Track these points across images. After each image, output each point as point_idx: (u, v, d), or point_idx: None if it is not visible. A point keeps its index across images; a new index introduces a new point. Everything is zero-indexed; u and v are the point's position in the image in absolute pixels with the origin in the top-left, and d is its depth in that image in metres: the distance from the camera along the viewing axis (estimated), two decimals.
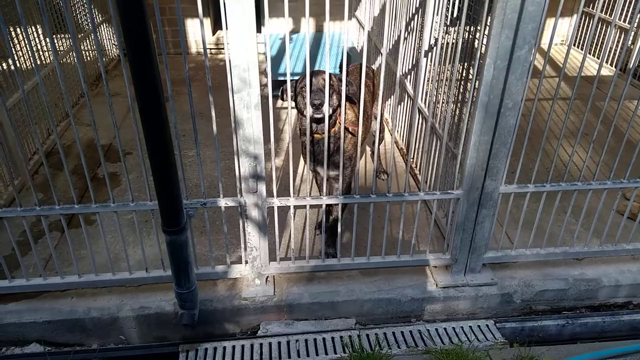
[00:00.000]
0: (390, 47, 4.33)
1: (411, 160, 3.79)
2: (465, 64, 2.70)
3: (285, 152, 4.17)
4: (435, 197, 2.57)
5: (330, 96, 2.50)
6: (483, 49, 2.24)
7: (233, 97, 2.19)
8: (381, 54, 4.60)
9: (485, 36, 2.23)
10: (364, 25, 5.63)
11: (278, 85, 5.23)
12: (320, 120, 2.54)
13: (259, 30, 1.99)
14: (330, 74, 2.52)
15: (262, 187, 2.42)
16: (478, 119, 2.33)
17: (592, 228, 2.79)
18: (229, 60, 2.10)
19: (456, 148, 2.85)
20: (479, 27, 2.55)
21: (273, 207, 2.50)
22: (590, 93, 2.40)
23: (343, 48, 2.58)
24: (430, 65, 3.35)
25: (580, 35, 6.49)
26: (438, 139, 3.13)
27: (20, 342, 2.60)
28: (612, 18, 2.30)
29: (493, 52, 2.18)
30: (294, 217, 2.60)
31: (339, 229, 2.63)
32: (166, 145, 2.02)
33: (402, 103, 4.06)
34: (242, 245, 2.61)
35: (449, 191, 2.55)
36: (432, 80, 2.95)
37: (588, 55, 6.20)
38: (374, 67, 4.96)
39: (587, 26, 6.43)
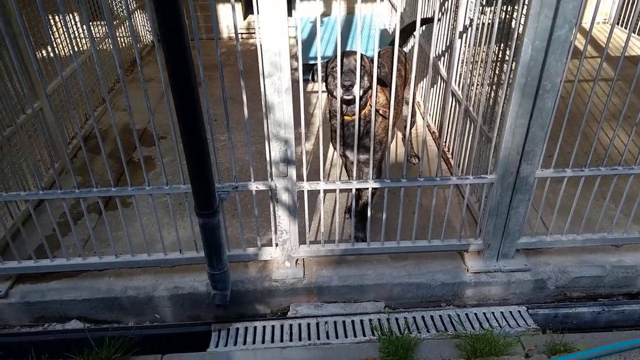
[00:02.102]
0: (424, 29, 4.23)
1: (443, 144, 3.73)
2: (502, 44, 2.61)
3: (315, 136, 4.17)
4: (468, 181, 2.52)
5: (362, 77, 2.47)
6: (521, 29, 2.17)
7: (264, 81, 2.19)
8: (414, 36, 4.51)
9: (523, 15, 2.15)
10: (396, 6, 5.54)
11: (309, 69, 5.20)
12: (350, 102, 2.52)
13: (289, 14, 1.99)
14: (361, 55, 2.49)
15: (293, 171, 2.43)
16: (514, 102, 2.26)
17: (633, 214, 2.69)
18: (260, 45, 2.10)
19: (490, 131, 2.78)
20: (516, 7, 2.46)
21: (303, 191, 2.51)
22: (635, 74, 2.29)
23: (375, 30, 2.54)
24: (465, 46, 3.26)
25: (625, 13, 6.18)
26: (472, 122, 3.06)
27: (62, 318, 2.72)
28: None
29: (531, 32, 2.10)
30: (324, 201, 2.60)
31: (369, 213, 2.62)
32: (199, 130, 2.05)
33: (435, 86, 3.98)
34: (273, 229, 2.64)
35: (483, 175, 2.50)
36: (466, 62, 2.88)
37: (633, 34, 5.92)
38: (406, 49, 4.87)
39: (632, 3, 6.12)
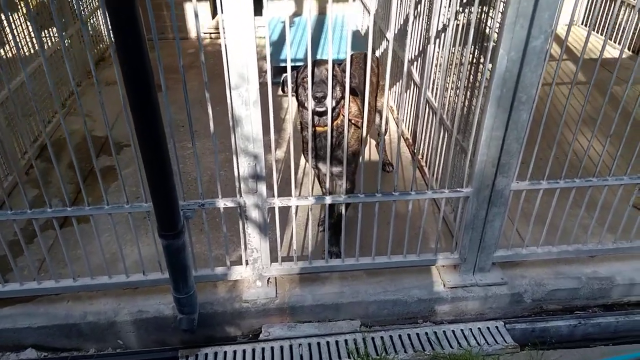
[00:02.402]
0: (397, 32, 4.16)
1: (418, 154, 3.66)
2: (476, 52, 2.55)
3: (287, 143, 4.04)
4: (443, 195, 2.45)
5: (334, 88, 2.37)
6: (495, 37, 2.10)
7: (230, 93, 2.06)
8: (387, 39, 4.43)
9: (497, 24, 2.08)
10: (368, 8, 5.45)
11: (279, 72, 5.08)
12: (322, 114, 2.41)
13: (260, 13, 1.87)
14: (333, 64, 2.38)
15: (263, 187, 2.31)
16: (490, 114, 2.20)
17: (607, 224, 2.67)
18: (226, 56, 1.96)
19: (465, 141, 2.72)
20: (491, 15, 2.40)
21: (274, 207, 2.39)
22: (610, 79, 2.26)
23: (347, 31, 2.44)
24: (438, 52, 3.19)
25: (589, 14, 6.26)
26: (446, 131, 3.00)
27: (16, 347, 2.53)
28: None
29: (507, 42, 2.03)
30: (296, 215, 2.49)
31: (343, 228, 2.52)
32: (159, 147, 1.90)
33: (408, 91, 3.90)
34: (243, 247, 2.51)
35: (458, 189, 2.43)
36: (440, 70, 2.81)
37: (594, 33, 6.00)
38: (378, 52, 4.79)
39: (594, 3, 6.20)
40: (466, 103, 2.69)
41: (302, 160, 3.77)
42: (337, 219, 2.81)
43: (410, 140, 3.88)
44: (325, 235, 2.66)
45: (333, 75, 2.33)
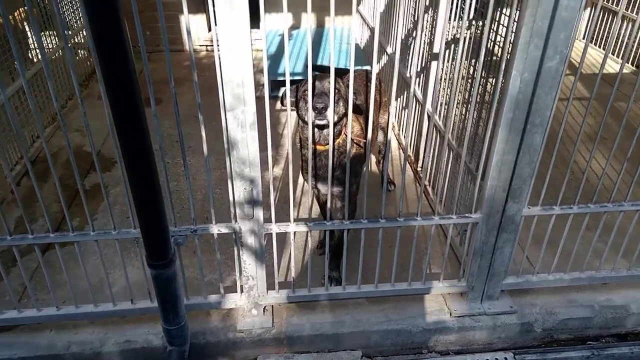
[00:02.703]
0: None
1: (420, 168, 3.54)
2: (482, 71, 2.43)
3: (285, 160, 3.91)
4: (451, 221, 2.32)
5: (336, 102, 2.25)
6: (507, 57, 1.98)
7: (225, 115, 1.93)
8: (386, 54, 4.33)
9: (510, 44, 1.96)
10: (368, 22, 5.36)
11: (277, 86, 4.96)
12: (323, 128, 2.28)
13: (257, 25, 1.80)
14: (336, 78, 2.26)
15: (259, 213, 2.17)
16: (501, 137, 2.07)
17: (622, 250, 2.54)
18: (221, 75, 1.84)
19: (472, 163, 2.60)
20: (500, 35, 2.29)
21: (271, 233, 2.26)
22: (630, 99, 2.14)
23: (349, 45, 2.32)
24: (442, 69, 3.08)
25: (597, 31, 6.19)
26: (451, 150, 2.87)
27: None
28: (619, 8, 2.05)
29: (520, 63, 1.91)
30: (294, 238, 2.34)
31: (344, 251, 2.38)
32: (147, 172, 1.77)
33: (410, 106, 3.79)
34: (238, 273, 2.37)
35: (467, 215, 2.30)
36: (445, 87, 2.69)
37: (594, 47, 5.92)
38: (378, 67, 4.69)
39: (595, 18, 6.13)
40: (474, 124, 2.57)
41: (301, 177, 3.63)
42: (338, 241, 2.68)
43: (412, 158, 3.76)
44: (326, 260, 2.52)
45: (336, 88, 2.21)
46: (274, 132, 4.30)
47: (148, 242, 1.98)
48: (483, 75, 2.41)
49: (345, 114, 2.28)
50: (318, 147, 2.39)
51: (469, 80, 2.63)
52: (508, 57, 1.95)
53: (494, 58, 2.38)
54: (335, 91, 2.19)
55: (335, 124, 2.23)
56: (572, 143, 3.86)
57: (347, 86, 2.25)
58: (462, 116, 2.72)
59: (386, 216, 2.26)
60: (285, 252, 2.90)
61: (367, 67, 4.80)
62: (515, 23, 1.92)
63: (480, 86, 2.42)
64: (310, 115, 2.11)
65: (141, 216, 1.89)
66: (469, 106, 2.27)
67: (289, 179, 2.10)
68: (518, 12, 1.88)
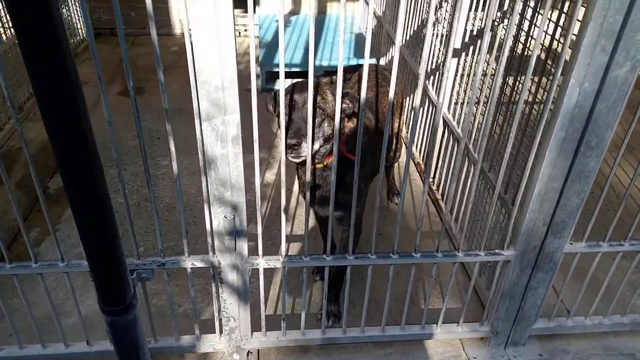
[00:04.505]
0: (409, 39, 3.61)
1: (431, 180, 3.12)
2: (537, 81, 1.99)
3: (279, 163, 3.49)
4: (478, 259, 1.91)
5: (321, 125, 1.82)
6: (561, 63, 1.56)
7: (200, 125, 1.50)
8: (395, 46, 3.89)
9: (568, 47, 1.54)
10: (371, 6, 4.89)
11: (272, 77, 4.51)
12: (303, 164, 1.86)
13: (245, 7, 1.54)
14: (320, 86, 1.83)
15: (243, 245, 1.75)
16: (548, 161, 1.66)
17: None
18: (195, 74, 1.40)
19: (508, 193, 2.19)
20: (558, 34, 1.86)
21: (258, 268, 1.84)
22: None
23: (352, 34, 1.88)
24: (464, 68, 2.65)
25: None
26: (472, 164, 2.46)
27: None
28: None
29: (581, 70, 1.49)
30: (285, 274, 1.93)
31: (348, 279, 1.93)
32: (95, 191, 1.33)
33: (422, 109, 3.36)
34: (216, 313, 1.95)
35: (497, 251, 1.89)
36: (465, 89, 2.26)
37: None
38: (384, 60, 4.24)
39: None
40: (514, 144, 2.15)
41: (296, 184, 3.21)
42: (337, 269, 2.27)
43: (422, 166, 3.33)
44: (324, 290, 2.08)
45: (318, 108, 1.78)
46: (267, 130, 3.86)
47: (99, 284, 1.55)
48: (532, 83, 1.97)
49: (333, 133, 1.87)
50: (317, 165, 1.96)
51: (510, 92, 2.20)
52: (566, 61, 1.53)
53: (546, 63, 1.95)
54: (318, 110, 1.78)
55: (314, 154, 1.84)
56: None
57: (334, 94, 1.83)
58: (495, 134, 2.29)
59: (399, 251, 1.85)
60: (274, 281, 2.49)
61: (372, 61, 4.34)
62: (576, 21, 1.49)
63: (529, 97, 1.98)
64: (282, 154, 1.68)
65: (87, 250, 1.47)
66: (507, 123, 1.85)
67: (280, 186, 1.66)
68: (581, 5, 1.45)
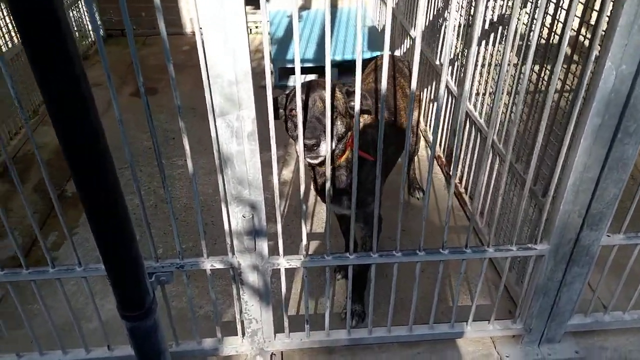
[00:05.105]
0: (424, 28, 3.51)
1: (457, 180, 3.03)
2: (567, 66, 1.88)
3: (295, 161, 3.42)
4: (509, 254, 1.82)
5: (334, 122, 1.76)
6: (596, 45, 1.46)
7: (215, 121, 1.44)
8: (410, 37, 3.79)
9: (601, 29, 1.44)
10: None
11: (285, 73, 4.45)
12: (321, 164, 1.79)
13: (257, 4, 1.51)
14: (333, 86, 1.75)
15: (263, 244, 1.69)
16: (583, 150, 1.56)
17: None
18: (206, 68, 1.34)
19: (537, 184, 2.09)
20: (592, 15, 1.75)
21: (279, 269, 1.78)
22: None
23: (365, 28, 1.80)
24: (488, 55, 2.55)
25: None
26: (499, 157, 2.37)
27: None
28: None
29: (617, 51, 1.39)
30: (307, 275, 1.86)
31: (373, 277, 1.85)
32: (110, 191, 1.29)
33: (443, 100, 3.26)
34: (237, 315, 1.90)
35: (529, 245, 1.80)
36: (492, 79, 2.15)
37: None
38: (398, 52, 4.14)
39: None
40: (544, 132, 2.05)
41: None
42: (360, 268, 2.19)
43: (444, 160, 3.24)
44: (347, 288, 2.00)
45: (333, 106, 1.72)
46: (281, 127, 3.79)
47: (117, 290, 1.50)
48: (562, 68, 1.86)
49: (348, 130, 1.80)
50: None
51: (536, 80, 2.09)
52: (601, 43, 1.43)
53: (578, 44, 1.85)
54: (332, 109, 1.71)
55: (332, 151, 1.77)
56: None
57: (348, 92, 1.77)
58: (523, 122, 2.18)
59: (426, 248, 1.77)
60: (295, 281, 2.43)
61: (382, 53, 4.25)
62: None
63: (559, 82, 1.88)
64: (301, 155, 1.62)
65: (104, 254, 1.42)
66: (533, 112, 1.75)
67: (299, 182, 1.60)
68: None
